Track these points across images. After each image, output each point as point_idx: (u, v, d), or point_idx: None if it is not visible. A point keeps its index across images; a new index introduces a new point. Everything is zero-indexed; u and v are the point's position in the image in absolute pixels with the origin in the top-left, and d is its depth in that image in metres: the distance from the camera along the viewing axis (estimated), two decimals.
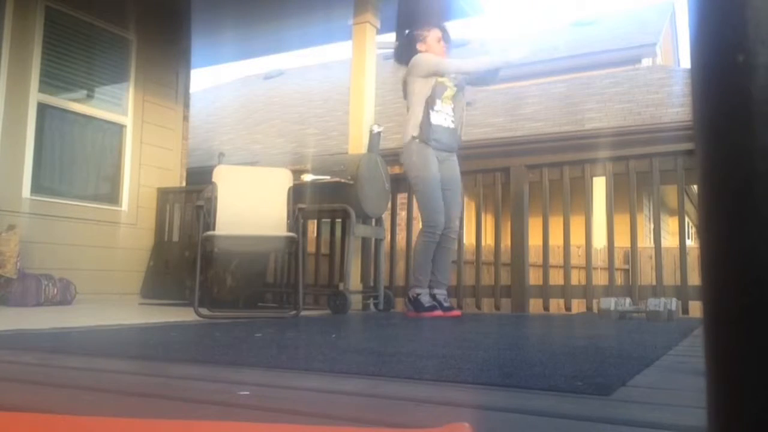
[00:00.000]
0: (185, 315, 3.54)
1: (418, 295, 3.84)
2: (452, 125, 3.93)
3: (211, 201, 3.91)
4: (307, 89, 14.60)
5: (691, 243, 8.40)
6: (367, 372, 1.45)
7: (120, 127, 5.88)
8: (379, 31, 5.29)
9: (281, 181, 4.07)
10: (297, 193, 4.14)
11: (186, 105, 6.63)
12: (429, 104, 3.83)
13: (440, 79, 3.88)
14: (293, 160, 8.85)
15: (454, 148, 4.01)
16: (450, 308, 3.84)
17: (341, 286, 4.28)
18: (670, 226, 11.78)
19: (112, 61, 5.87)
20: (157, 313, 3.86)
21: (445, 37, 4.04)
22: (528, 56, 4.03)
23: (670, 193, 7.07)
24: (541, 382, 1.31)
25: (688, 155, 3.98)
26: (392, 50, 4.39)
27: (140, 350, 2.02)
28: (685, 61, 14.79)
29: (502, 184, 4.58)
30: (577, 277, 4.82)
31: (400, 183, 4.93)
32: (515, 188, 4.50)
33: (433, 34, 4.01)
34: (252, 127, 13.07)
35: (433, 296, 3.86)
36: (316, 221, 5.21)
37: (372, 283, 4.76)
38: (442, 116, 3.88)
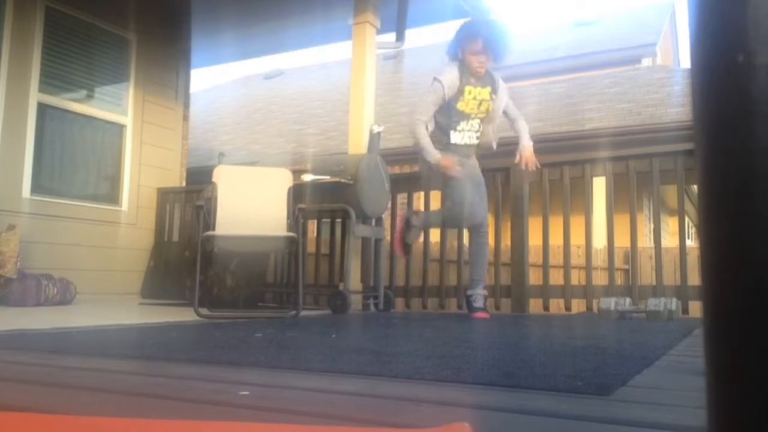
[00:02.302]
0: (185, 315, 3.54)
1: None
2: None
3: (211, 201, 3.91)
4: (307, 89, 14.60)
5: (691, 243, 8.39)
6: (367, 372, 1.45)
7: (120, 127, 5.88)
8: (379, 31, 5.29)
9: (281, 181, 4.07)
10: (297, 193, 4.14)
11: (186, 105, 6.63)
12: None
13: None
14: (293, 160, 8.85)
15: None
16: (478, 309, 3.77)
17: (341, 286, 4.28)
18: (670, 226, 11.78)
19: (112, 61, 5.87)
20: (157, 313, 3.86)
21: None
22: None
23: (670, 193, 7.07)
24: (541, 382, 1.31)
25: (688, 155, 3.98)
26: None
27: (140, 350, 2.02)
28: (685, 61, 14.79)
29: (502, 184, 4.57)
30: (577, 277, 4.81)
31: (400, 183, 4.93)
32: (515, 188, 4.50)
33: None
34: (252, 127, 13.07)
35: (468, 296, 3.86)
36: (316, 221, 5.21)
37: (372, 283, 4.76)
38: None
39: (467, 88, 3.80)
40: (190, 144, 7.18)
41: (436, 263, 4.91)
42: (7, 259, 4.27)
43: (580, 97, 10.44)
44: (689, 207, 7.83)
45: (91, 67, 5.67)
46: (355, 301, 4.52)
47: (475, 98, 3.82)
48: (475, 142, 3.89)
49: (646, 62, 12.25)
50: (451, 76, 3.78)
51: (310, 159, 5.39)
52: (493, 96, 3.86)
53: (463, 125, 3.84)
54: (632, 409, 1.09)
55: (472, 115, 3.84)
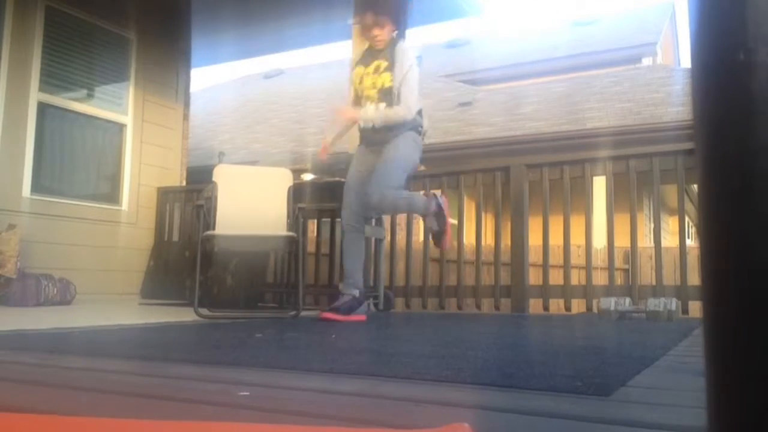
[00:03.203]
0: (185, 315, 3.54)
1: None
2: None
3: (211, 200, 3.91)
4: (307, 89, 14.60)
5: (691, 243, 8.38)
6: (367, 372, 1.45)
7: (120, 127, 5.88)
8: None
9: (281, 180, 4.07)
10: (297, 192, 4.13)
11: (186, 104, 6.63)
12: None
13: None
14: (293, 160, 8.85)
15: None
16: (332, 309, 3.45)
17: (341, 286, 4.28)
18: (670, 226, 11.78)
19: (112, 60, 5.87)
20: (157, 313, 3.86)
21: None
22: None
23: (670, 193, 7.07)
24: (541, 382, 1.31)
25: (688, 155, 3.98)
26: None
27: (140, 350, 2.02)
28: (685, 61, 14.79)
29: (502, 183, 4.57)
30: (577, 277, 4.81)
31: None
32: (515, 188, 4.50)
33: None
34: (252, 126, 13.07)
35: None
36: (316, 221, 5.21)
37: (372, 283, 4.76)
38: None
39: (357, 68, 3.57)
40: (190, 143, 7.18)
41: (436, 263, 4.91)
42: (7, 259, 4.27)
43: (581, 96, 10.44)
44: (689, 207, 7.84)
45: (91, 66, 5.67)
46: None
47: (359, 75, 3.54)
48: (370, 125, 3.48)
49: (646, 62, 12.26)
50: (354, 54, 3.62)
51: (310, 159, 5.39)
52: (386, 73, 3.44)
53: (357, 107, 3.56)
54: (632, 410, 1.09)
55: (360, 93, 3.53)
